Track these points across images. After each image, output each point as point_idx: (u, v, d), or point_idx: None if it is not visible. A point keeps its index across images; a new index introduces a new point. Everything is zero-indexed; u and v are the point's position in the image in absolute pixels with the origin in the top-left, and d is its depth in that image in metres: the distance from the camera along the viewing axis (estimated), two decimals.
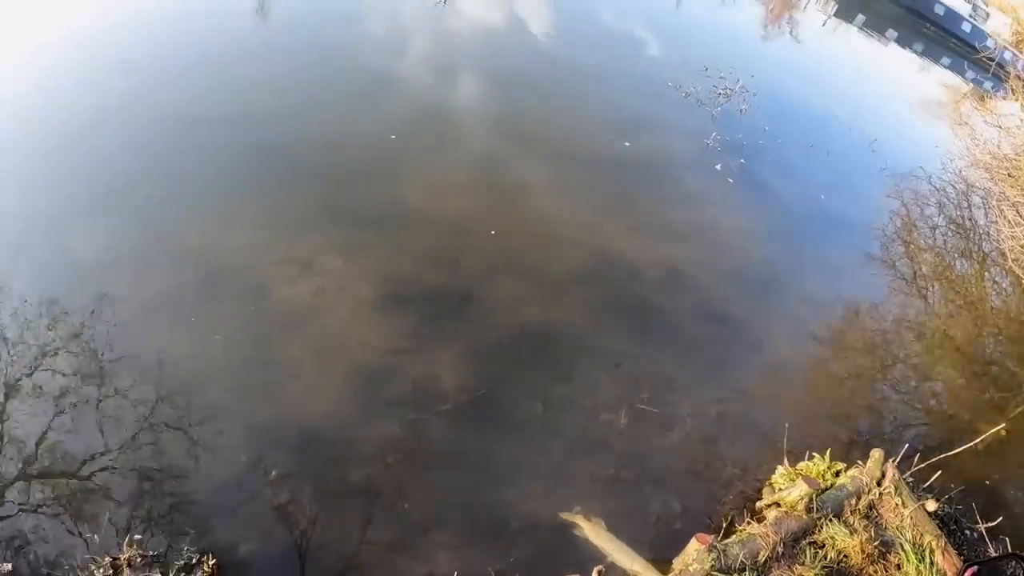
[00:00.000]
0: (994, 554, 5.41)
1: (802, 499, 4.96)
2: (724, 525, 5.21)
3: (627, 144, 9.24)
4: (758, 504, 5.45)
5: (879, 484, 5.29)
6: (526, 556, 4.84)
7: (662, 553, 4.91)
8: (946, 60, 24.85)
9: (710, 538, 4.53)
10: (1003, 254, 10.18)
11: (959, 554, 5.17)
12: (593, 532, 5.03)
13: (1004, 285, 10.04)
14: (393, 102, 8.83)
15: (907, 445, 5.78)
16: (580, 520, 5.09)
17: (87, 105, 7.54)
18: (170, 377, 5.21)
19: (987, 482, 6.74)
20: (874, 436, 6.50)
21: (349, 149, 7.79)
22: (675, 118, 10.22)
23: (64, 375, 5.07)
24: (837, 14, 23.65)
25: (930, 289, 9.36)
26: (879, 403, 7.23)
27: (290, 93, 8.46)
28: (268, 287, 6.10)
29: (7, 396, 4.88)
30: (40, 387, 4.96)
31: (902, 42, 23.98)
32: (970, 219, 11.27)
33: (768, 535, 4.63)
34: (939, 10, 26.67)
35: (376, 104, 8.67)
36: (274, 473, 4.85)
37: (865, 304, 8.43)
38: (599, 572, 4.32)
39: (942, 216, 11.04)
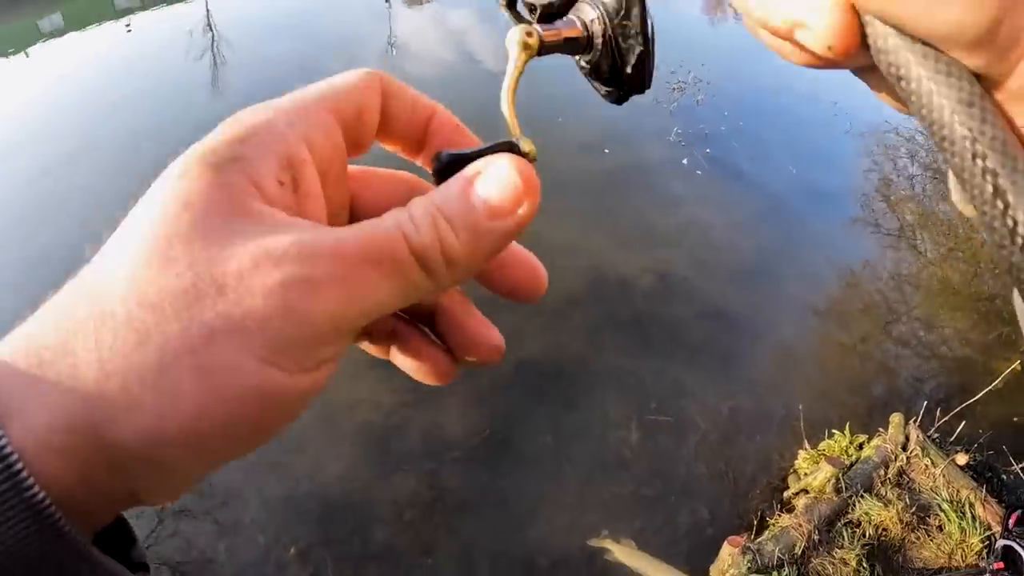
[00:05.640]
0: None
1: (829, 481, 4.89)
2: (755, 522, 5.10)
3: (607, 151, 9.24)
4: (785, 494, 5.36)
5: (904, 449, 5.23)
6: None
7: (698, 562, 4.85)
8: None
9: (742, 539, 4.48)
10: None
11: (999, 501, 5.09)
12: (624, 554, 4.96)
13: None
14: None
15: (925, 402, 5.72)
16: (609, 544, 5.03)
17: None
18: None
19: (1015, 419, 6.65)
20: (892, 399, 6.41)
21: None
22: (633, 122, 10.15)
23: None
24: None
25: (919, 238, 9.31)
26: (891, 364, 7.16)
27: None
28: None
29: None
30: None
31: None
32: (944, 162, 11.22)
33: (801, 525, 4.57)
34: None
35: None
36: (293, 549, 4.81)
37: (858, 267, 8.37)
38: None
39: (915, 164, 10.97)
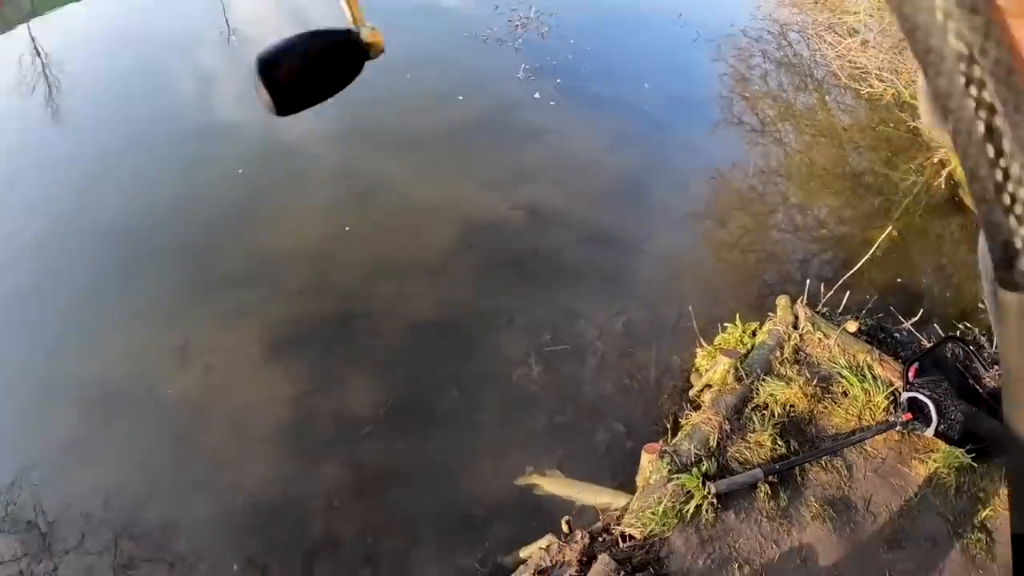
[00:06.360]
0: (928, 344, 5.47)
1: (727, 371, 4.95)
2: (669, 425, 5.18)
3: (460, 98, 9.06)
4: (691, 393, 5.43)
5: (796, 327, 5.30)
6: (501, 536, 4.81)
7: (625, 475, 4.93)
8: None
9: (658, 445, 4.52)
10: (835, 74, 10.40)
11: (896, 358, 5.22)
12: (552, 485, 5.02)
13: (846, 101, 10.27)
14: (220, 155, 8.37)
15: (808, 281, 5.81)
16: (536, 479, 5.07)
17: None
18: (107, 515, 5.00)
19: (898, 280, 6.85)
20: (779, 285, 6.54)
21: (187, 217, 7.42)
22: (481, 65, 10.03)
23: (13, 561, 4.82)
24: None
25: (782, 130, 9.52)
26: (773, 252, 7.31)
27: (107, 181, 7.96)
28: (158, 386, 5.83)
29: None
30: None
31: None
32: (795, 55, 11.45)
33: (710, 419, 4.60)
34: None
35: (204, 162, 8.22)
36: (236, 566, 4.73)
37: (727, 167, 8.50)
38: (567, 522, 4.22)
39: (768, 61, 11.18)
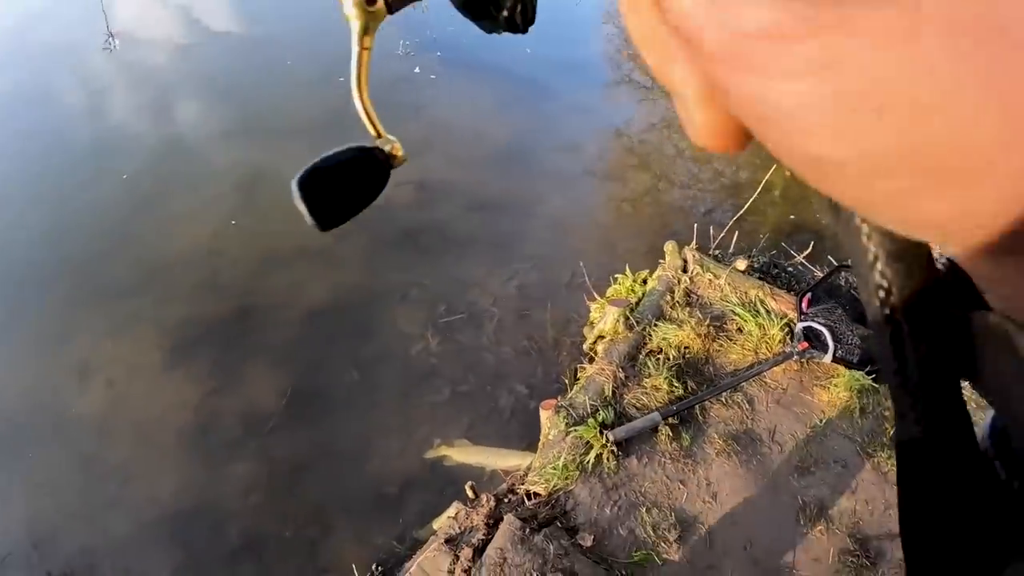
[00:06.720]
0: (821, 275, 5.53)
1: (617, 320, 4.95)
2: (568, 381, 5.22)
3: (342, 79, 8.88)
4: (585, 346, 5.46)
5: (685, 271, 5.32)
6: (415, 511, 4.82)
7: (532, 436, 4.91)
8: None
9: (554, 401, 4.54)
10: None
11: (790, 291, 5.28)
12: (461, 454, 5.05)
13: None
14: (103, 162, 8.02)
15: (696, 225, 5.87)
16: (444, 450, 5.09)
17: None
18: (31, 553, 4.86)
19: (791, 217, 6.93)
20: (672, 234, 6.53)
21: (70, 230, 7.16)
22: None
23: None
24: None
25: None
26: (668, 204, 7.38)
27: None
28: (62, 408, 5.65)
29: None
30: None
31: None
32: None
33: (604, 369, 4.63)
34: None
35: (85, 171, 7.88)
36: None
37: (621, 125, 8.55)
38: (471, 487, 4.23)
39: None
